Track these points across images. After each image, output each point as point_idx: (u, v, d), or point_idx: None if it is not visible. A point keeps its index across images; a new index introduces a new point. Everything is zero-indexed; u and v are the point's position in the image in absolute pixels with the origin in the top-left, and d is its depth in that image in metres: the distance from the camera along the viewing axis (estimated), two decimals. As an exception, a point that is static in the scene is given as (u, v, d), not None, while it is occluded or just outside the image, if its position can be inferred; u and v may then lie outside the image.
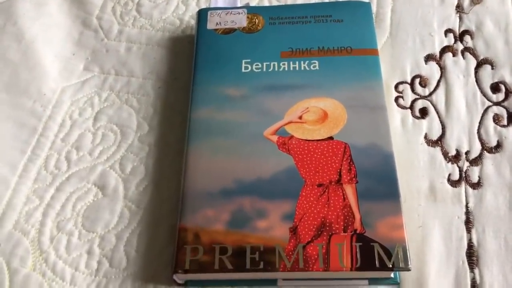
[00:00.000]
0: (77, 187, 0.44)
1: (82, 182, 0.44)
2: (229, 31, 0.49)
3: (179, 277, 0.38)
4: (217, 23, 0.49)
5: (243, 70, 0.46)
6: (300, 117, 0.43)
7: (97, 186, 0.44)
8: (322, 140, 0.41)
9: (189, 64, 0.48)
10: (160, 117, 0.47)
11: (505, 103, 0.46)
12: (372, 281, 0.38)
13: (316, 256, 0.36)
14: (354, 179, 0.39)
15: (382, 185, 0.39)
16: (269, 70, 0.46)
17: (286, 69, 0.46)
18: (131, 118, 0.47)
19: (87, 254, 0.40)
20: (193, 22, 0.53)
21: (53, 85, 0.49)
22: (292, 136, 0.42)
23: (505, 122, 0.45)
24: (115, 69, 0.51)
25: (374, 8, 0.53)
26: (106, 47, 0.52)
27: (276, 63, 0.46)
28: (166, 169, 0.44)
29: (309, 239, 0.37)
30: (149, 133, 0.46)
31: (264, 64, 0.46)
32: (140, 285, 0.39)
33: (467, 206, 0.42)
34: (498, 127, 0.45)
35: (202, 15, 0.50)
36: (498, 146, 0.44)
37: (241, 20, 0.49)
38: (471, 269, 0.39)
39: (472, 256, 0.39)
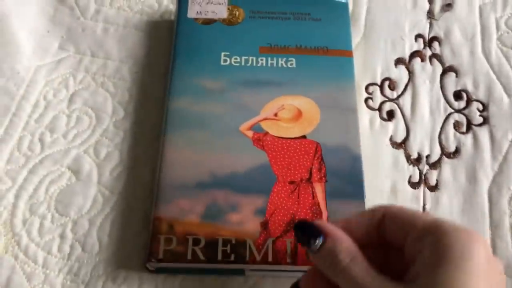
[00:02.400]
0: (51, 170, 0.44)
1: (55, 165, 0.44)
2: (209, 22, 0.49)
3: (152, 265, 0.39)
4: (197, 12, 0.49)
5: (222, 62, 0.47)
6: (276, 114, 0.44)
7: (71, 170, 0.44)
8: (295, 138, 0.43)
9: (167, 50, 0.49)
10: (136, 103, 0.48)
11: (466, 111, 0.49)
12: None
13: (284, 251, 0.38)
14: (323, 178, 0.41)
15: (349, 185, 0.41)
16: (248, 64, 0.47)
17: (264, 64, 0.47)
18: (107, 102, 0.47)
19: (59, 238, 0.41)
20: (171, 6, 0.53)
21: (27, 63, 0.48)
22: (267, 133, 0.43)
23: (464, 129, 0.48)
24: (91, 50, 0.50)
25: (350, 7, 0.54)
26: (82, 26, 0.51)
27: (254, 58, 0.47)
28: (141, 156, 0.45)
29: (279, 234, 0.39)
30: (125, 118, 0.47)
31: (243, 58, 0.47)
32: (112, 271, 0.40)
33: (424, 208, 0.45)
34: (458, 134, 0.48)
35: (182, 1, 0.50)
36: (456, 151, 0.47)
37: (221, 11, 0.50)
38: (424, 267, 0.42)
39: (425, 254, 0.42)
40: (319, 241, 0.29)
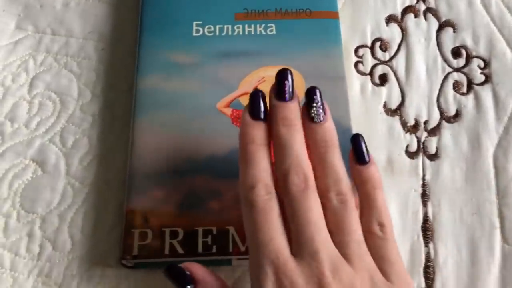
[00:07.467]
0: (13, 164, 0.40)
1: (18, 158, 0.40)
2: (178, -12, 0.44)
3: (127, 262, 0.36)
4: (165, -22, 0.45)
5: (194, 33, 0.42)
6: (256, 88, 0.40)
7: (35, 162, 0.40)
8: (279, 113, 0.39)
9: (135, 22, 0.44)
10: (104, 84, 0.43)
11: (465, 69, 0.45)
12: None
13: (271, 239, 0.35)
14: (311, 155, 0.38)
15: (340, 161, 0.38)
16: (223, 34, 0.42)
17: (241, 33, 0.42)
18: (72, 84, 0.43)
19: (27, 237, 0.38)
20: (138, -26, 0.48)
21: (-20, 47, 0.44)
22: (247, 109, 0.39)
23: (464, 89, 0.44)
24: (52, 27, 0.46)
25: (334, -38, 0.49)
26: (40, 2, 0.47)
27: (230, 26, 0.43)
28: (113, 142, 0.41)
29: (264, 221, 0.35)
30: (92, 101, 0.43)
31: (217, 27, 0.42)
32: (87, 269, 0.37)
33: (423, 179, 0.41)
34: (458, 95, 0.44)
35: (148, -33, 0.45)
36: (457, 115, 0.43)
37: (191, -25, 0.45)
38: (426, 244, 0.39)
39: (427, 230, 0.39)
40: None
